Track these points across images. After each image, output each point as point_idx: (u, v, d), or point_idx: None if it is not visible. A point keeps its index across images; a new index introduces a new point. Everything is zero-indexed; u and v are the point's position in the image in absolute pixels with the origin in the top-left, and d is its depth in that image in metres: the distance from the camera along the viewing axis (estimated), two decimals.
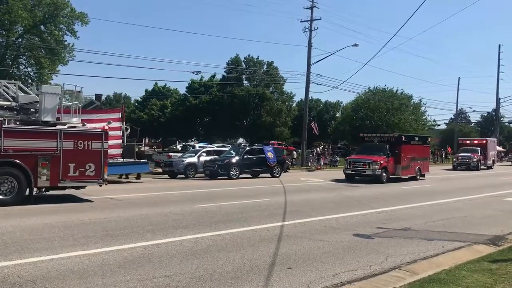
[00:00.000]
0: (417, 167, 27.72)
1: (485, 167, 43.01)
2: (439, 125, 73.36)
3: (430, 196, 18.59)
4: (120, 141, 23.79)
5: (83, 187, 15.45)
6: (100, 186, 15.33)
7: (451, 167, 43.50)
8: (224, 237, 9.60)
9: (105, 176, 15.29)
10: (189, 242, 9.02)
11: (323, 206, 15.10)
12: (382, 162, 24.88)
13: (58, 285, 6.21)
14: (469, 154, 41.75)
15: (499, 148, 64.76)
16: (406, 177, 26.73)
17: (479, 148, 43.04)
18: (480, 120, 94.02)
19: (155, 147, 46.10)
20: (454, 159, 43.65)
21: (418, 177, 27.56)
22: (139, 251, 8.19)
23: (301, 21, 42.06)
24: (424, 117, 60.11)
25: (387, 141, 26.76)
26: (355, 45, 40.87)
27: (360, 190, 20.72)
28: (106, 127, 16.13)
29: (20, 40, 43.07)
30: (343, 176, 26.02)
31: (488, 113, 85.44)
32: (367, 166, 24.75)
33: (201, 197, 16.80)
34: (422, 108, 59.84)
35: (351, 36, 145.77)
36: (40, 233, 9.50)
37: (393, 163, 25.76)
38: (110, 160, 23.12)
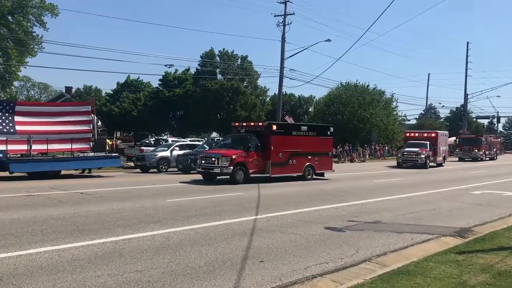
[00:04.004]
0: (306, 164, 22.33)
1: (435, 164, 37.56)
2: (409, 120, 74.86)
3: (400, 189, 18.96)
4: (90, 135, 23.42)
5: None
6: None
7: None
8: (197, 231, 9.57)
9: None
10: (161, 236, 8.96)
11: (296, 199, 15.22)
12: (235, 157, 19.87)
13: (26, 282, 6.08)
14: (416, 149, 35.73)
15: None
16: (294, 175, 21.99)
17: (428, 143, 36.97)
18: (449, 115, 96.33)
19: (128, 141, 45.44)
20: (399, 155, 37.33)
21: (309, 176, 22.39)
22: (110, 246, 8.09)
23: (274, 16, 42.04)
24: (395, 112, 61.29)
25: (255, 131, 21.82)
26: (328, 40, 41.25)
27: (332, 184, 20.96)
28: None
29: None
30: None
31: (457, 108, 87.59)
32: (216, 162, 19.91)
33: (173, 192, 16.68)
34: (394, 103, 61.03)
35: (325, 31, 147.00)
36: (7, 229, 9.27)
37: (259, 159, 20.69)
38: (80, 154, 22.88)
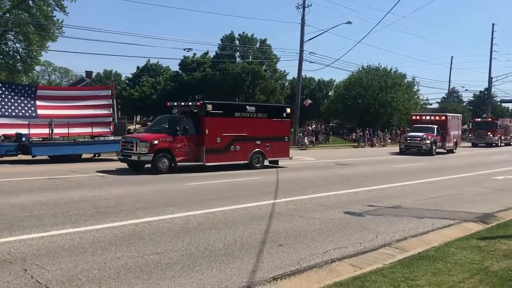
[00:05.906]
0: (254, 151, 19.35)
1: (444, 151, 33.79)
2: (431, 104, 73.63)
3: (421, 174, 18.73)
4: (110, 119, 23.64)
5: None
6: None
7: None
8: (216, 214, 9.61)
9: None
10: (180, 219, 9.03)
11: (315, 184, 15.16)
12: (156, 142, 17.04)
13: (48, 262, 6.19)
14: (421, 134, 31.92)
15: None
16: (238, 163, 18.93)
17: (435, 127, 33.18)
18: (473, 99, 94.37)
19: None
20: (402, 140, 33.65)
21: (257, 165, 19.49)
22: (130, 228, 8.18)
23: None
24: (416, 96, 60.33)
25: (189, 112, 18.86)
26: (349, 22, 40.88)
27: (351, 169, 20.81)
28: None
29: (7, 15, 42.19)
30: (334, 155, 25.51)
31: (481, 92, 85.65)
32: (134, 148, 17.07)
33: (193, 175, 16.75)
34: (415, 87, 60.05)
35: (345, 13, 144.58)
36: (30, 211, 9.44)
37: (190, 144, 17.82)
38: (101, 138, 23.14)
